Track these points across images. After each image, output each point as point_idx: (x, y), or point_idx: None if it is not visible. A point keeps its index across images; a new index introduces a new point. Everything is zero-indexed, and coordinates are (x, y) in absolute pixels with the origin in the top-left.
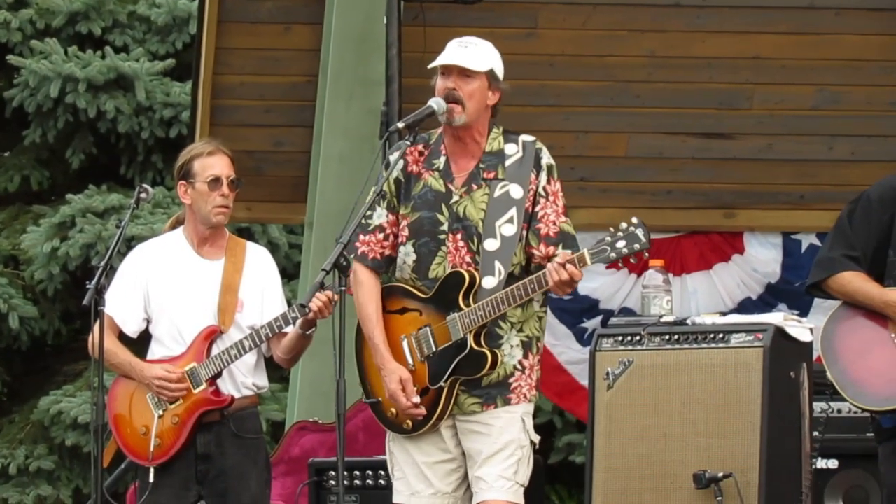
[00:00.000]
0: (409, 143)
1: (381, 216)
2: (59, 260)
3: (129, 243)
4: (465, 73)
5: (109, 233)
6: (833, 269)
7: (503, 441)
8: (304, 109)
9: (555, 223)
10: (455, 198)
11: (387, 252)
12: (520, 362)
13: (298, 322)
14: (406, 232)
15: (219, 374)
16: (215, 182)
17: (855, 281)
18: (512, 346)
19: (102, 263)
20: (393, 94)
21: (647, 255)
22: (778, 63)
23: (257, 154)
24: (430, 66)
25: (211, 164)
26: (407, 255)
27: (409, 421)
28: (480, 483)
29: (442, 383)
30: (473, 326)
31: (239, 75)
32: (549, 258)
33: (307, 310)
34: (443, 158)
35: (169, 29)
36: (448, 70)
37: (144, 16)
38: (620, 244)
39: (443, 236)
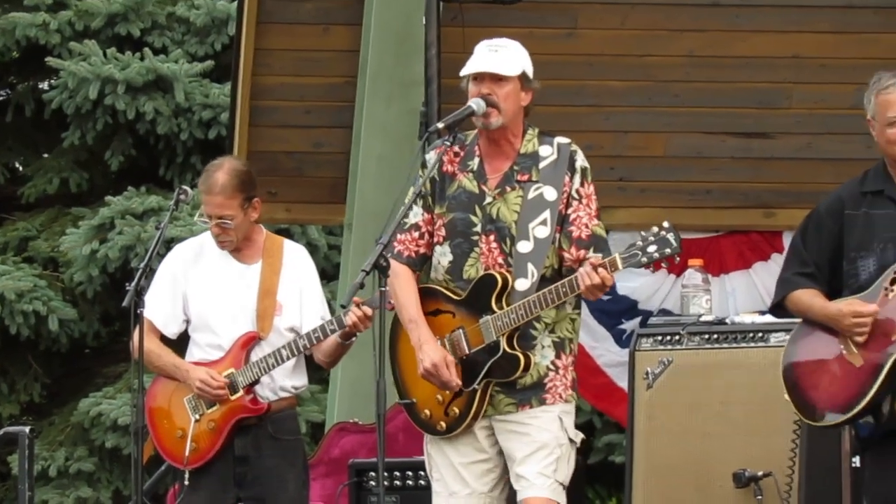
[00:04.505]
0: (448, 143)
1: (416, 215)
2: (99, 262)
3: (169, 245)
4: (497, 78)
5: (149, 235)
6: (786, 288)
7: (542, 440)
8: (343, 110)
9: (587, 226)
10: (488, 199)
11: (422, 250)
12: (552, 363)
13: (339, 331)
14: (442, 232)
15: (256, 382)
16: (210, 218)
17: (804, 298)
18: (544, 347)
19: (142, 265)
20: (432, 94)
21: (678, 259)
22: (817, 62)
23: (297, 155)
24: (463, 73)
25: (205, 201)
26: (443, 255)
27: (442, 423)
28: (522, 481)
29: (475, 385)
30: (506, 329)
31: (278, 76)
32: (581, 261)
33: (344, 323)
34: (477, 160)
35: (208, 30)
36: (481, 76)
37: (183, 17)
38: (651, 248)
39: (476, 238)
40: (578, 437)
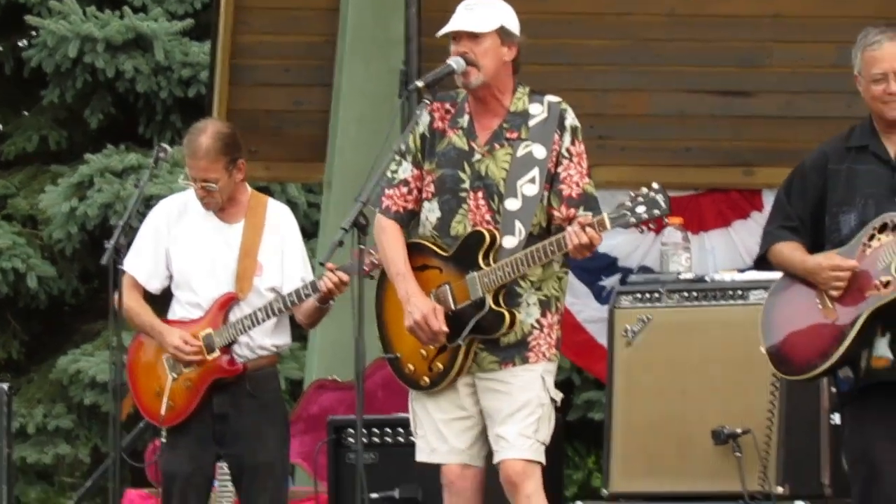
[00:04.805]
0: (428, 100)
1: (406, 171)
2: (78, 220)
3: (148, 203)
4: (473, 36)
5: (128, 192)
6: (769, 241)
7: (523, 399)
8: (323, 69)
9: (578, 185)
10: (477, 156)
11: (410, 206)
12: (537, 321)
13: (314, 295)
14: (431, 188)
15: (233, 342)
16: (194, 181)
17: (784, 251)
18: (529, 305)
19: (121, 223)
20: (412, 53)
21: (666, 221)
22: (798, 21)
23: (276, 114)
24: (439, 34)
25: (189, 165)
26: (431, 211)
27: (425, 378)
28: (501, 442)
29: (460, 341)
30: (493, 286)
31: (258, 35)
32: (570, 220)
33: (318, 288)
34: (467, 117)
35: None
36: (458, 35)
37: None
38: (640, 209)
39: (464, 194)
40: (559, 396)
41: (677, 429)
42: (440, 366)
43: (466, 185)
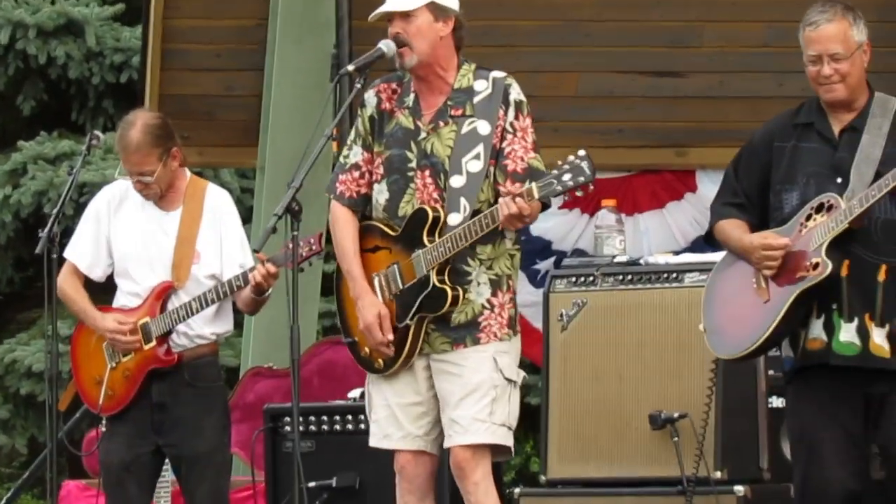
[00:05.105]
0: (360, 84)
1: (356, 154)
2: (11, 208)
3: (81, 190)
4: (405, 15)
5: (61, 180)
6: (714, 218)
7: (475, 382)
8: (254, 53)
9: (523, 159)
10: (423, 135)
11: (363, 190)
12: (488, 301)
13: (248, 287)
14: (380, 170)
15: (170, 332)
16: (130, 174)
17: (726, 228)
18: (480, 284)
19: (55, 212)
20: (343, 36)
21: (591, 187)
22: (727, 0)
23: (208, 98)
24: (371, 17)
25: (123, 159)
26: (380, 193)
27: (380, 360)
28: (454, 426)
29: (408, 321)
30: (435, 263)
31: (189, 19)
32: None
33: (248, 280)
34: (412, 96)
35: None
36: (390, 17)
37: None
38: (566, 177)
39: (411, 174)
40: (519, 375)
41: (614, 413)
42: (392, 348)
43: (413, 164)
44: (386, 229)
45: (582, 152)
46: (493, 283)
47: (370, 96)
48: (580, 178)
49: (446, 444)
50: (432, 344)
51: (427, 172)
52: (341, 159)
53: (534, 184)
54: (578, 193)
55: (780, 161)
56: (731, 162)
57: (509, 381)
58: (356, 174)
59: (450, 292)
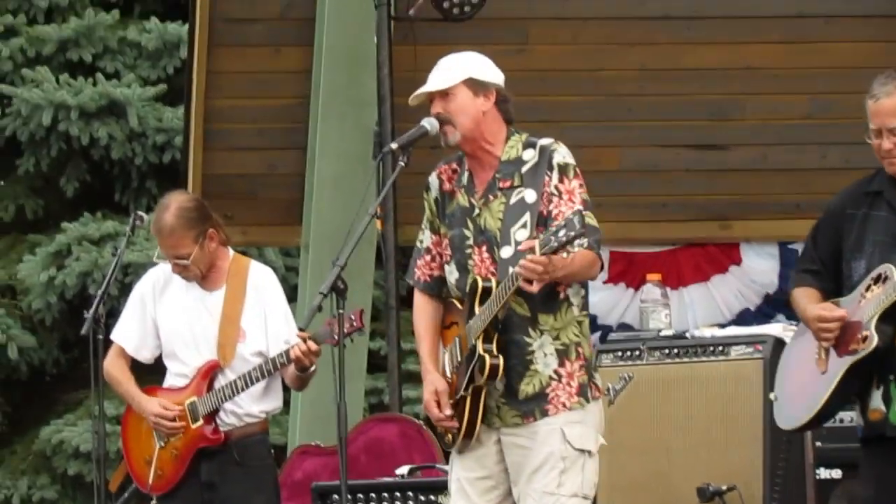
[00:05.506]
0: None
1: (427, 238)
2: (56, 289)
3: (126, 271)
4: (443, 94)
5: (105, 260)
6: (792, 285)
7: (543, 455)
8: (296, 131)
9: None
10: (476, 211)
11: (435, 273)
12: (555, 371)
13: (291, 364)
14: (448, 251)
15: (216, 411)
16: (168, 258)
17: (798, 297)
18: (546, 355)
19: (100, 292)
20: (385, 113)
21: (583, 240)
22: (769, 72)
23: (251, 177)
24: (411, 100)
25: (159, 244)
26: (450, 273)
27: (449, 435)
28: (526, 500)
29: (462, 392)
30: (479, 331)
31: (230, 99)
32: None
33: (290, 358)
34: (467, 174)
35: (159, 54)
36: (430, 96)
37: (135, 41)
38: (561, 233)
39: (469, 251)
40: (597, 442)
41: (662, 487)
42: (455, 421)
43: (470, 241)
44: (458, 304)
45: (576, 208)
46: (559, 353)
47: (433, 179)
48: (571, 232)
49: None
50: (503, 418)
51: (484, 248)
52: (417, 244)
53: (536, 241)
54: (573, 249)
55: (851, 229)
56: (812, 229)
57: (581, 451)
58: (428, 258)
59: (488, 360)
